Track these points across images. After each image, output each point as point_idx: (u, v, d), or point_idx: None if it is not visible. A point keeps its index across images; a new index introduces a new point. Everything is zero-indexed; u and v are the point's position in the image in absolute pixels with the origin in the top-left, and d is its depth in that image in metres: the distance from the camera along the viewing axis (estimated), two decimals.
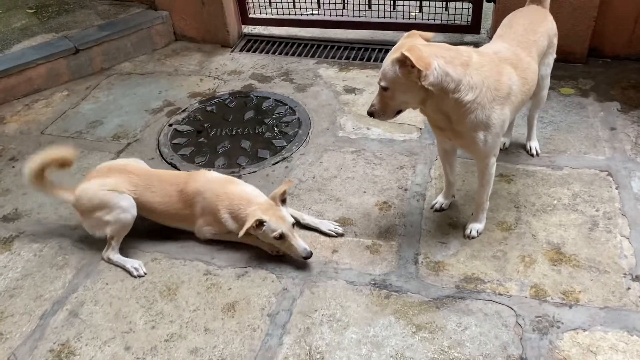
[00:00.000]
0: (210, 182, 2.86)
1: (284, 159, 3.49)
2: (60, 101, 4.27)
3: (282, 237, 2.63)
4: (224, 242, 2.88)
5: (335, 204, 3.10)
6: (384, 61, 2.36)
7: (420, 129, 3.58)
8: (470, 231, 2.82)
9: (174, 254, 2.87)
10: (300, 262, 2.73)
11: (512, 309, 2.44)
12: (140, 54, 4.80)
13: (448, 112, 2.42)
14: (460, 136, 2.52)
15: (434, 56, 2.28)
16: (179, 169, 3.42)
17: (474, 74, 2.34)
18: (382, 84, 2.37)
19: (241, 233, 2.65)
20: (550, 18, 2.93)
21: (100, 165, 3.08)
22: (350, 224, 2.96)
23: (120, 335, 2.48)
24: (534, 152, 3.30)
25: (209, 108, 4.06)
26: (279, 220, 2.64)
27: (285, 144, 3.63)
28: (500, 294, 2.51)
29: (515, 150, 3.36)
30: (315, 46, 4.73)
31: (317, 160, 3.45)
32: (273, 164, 3.45)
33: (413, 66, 2.21)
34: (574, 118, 3.57)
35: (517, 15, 2.88)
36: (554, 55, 2.99)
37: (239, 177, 3.33)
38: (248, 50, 4.77)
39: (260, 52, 4.73)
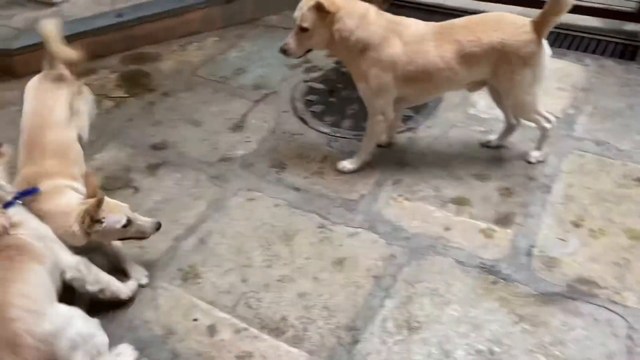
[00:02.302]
0: None
1: (410, 129, 3.52)
2: (211, 46, 4.61)
3: None
4: (342, 198, 3.03)
5: (455, 182, 3.10)
6: (302, 6, 2.78)
7: (558, 117, 3.40)
8: (342, 166, 3.19)
9: (295, 203, 3.06)
10: (410, 233, 2.80)
11: (626, 320, 2.34)
12: (287, 8, 4.94)
13: (343, 56, 2.86)
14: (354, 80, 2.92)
15: (342, 4, 2.71)
16: (306, 124, 3.61)
17: (363, 28, 2.71)
18: (305, 24, 2.76)
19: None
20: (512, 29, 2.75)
21: None
22: (467, 204, 2.96)
23: (239, 267, 2.73)
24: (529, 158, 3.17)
25: (343, 69, 4.16)
26: None
27: (412, 114, 3.65)
28: (615, 302, 2.41)
29: None
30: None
31: (443, 135, 3.44)
32: (397, 133, 3.49)
33: (328, 11, 2.65)
34: None
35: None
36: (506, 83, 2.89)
37: (359, 140, 3.43)
38: None
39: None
